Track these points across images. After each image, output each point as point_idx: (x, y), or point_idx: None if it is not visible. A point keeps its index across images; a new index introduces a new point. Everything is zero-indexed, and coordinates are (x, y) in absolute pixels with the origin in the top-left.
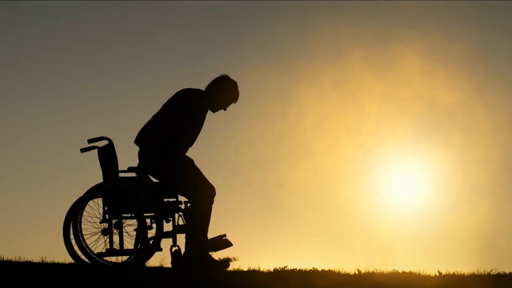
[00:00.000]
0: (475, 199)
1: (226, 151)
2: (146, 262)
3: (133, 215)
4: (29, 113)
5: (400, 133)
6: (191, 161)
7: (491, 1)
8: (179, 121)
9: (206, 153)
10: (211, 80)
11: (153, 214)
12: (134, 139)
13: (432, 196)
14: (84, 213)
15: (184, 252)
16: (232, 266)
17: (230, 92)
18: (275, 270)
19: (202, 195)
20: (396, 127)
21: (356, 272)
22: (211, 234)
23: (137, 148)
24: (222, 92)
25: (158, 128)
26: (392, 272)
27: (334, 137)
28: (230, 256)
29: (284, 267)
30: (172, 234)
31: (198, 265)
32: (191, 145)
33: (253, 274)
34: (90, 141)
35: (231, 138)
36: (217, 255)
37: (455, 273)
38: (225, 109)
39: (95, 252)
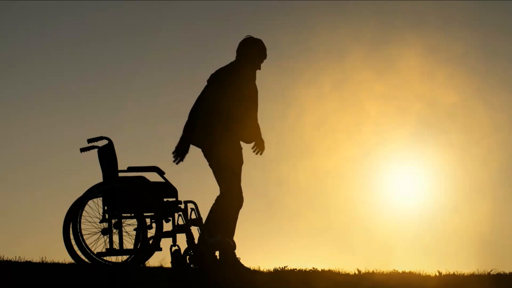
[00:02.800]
0: (475, 199)
1: None
2: (146, 262)
3: (133, 214)
4: (29, 113)
5: (400, 133)
6: (239, 160)
7: (491, 1)
8: (228, 99)
9: None
10: (239, 47)
11: (153, 213)
12: (133, 139)
13: (432, 196)
14: (84, 213)
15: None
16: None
17: (262, 50)
18: (275, 270)
19: (226, 199)
20: (396, 127)
21: (356, 272)
22: None
23: (137, 148)
24: (256, 53)
25: (210, 114)
26: (392, 272)
27: (334, 137)
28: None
29: (284, 267)
30: (172, 234)
31: (201, 265)
32: (249, 117)
33: (253, 274)
34: (90, 140)
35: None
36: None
37: (455, 273)
38: (260, 68)
39: (95, 252)
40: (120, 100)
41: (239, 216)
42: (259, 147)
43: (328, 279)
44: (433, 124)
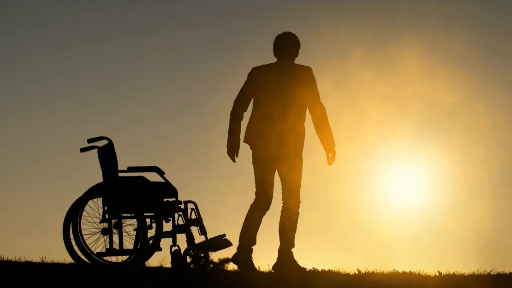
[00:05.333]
0: (475, 199)
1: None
2: (146, 262)
3: (133, 214)
4: (29, 113)
5: (400, 133)
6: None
7: (491, 1)
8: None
9: (207, 153)
10: (289, 47)
11: (153, 213)
12: (133, 139)
13: (432, 196)
14: (84, 213)
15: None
16: (232, 266)
17: (274, 45)
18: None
19: (254, 200)
20: (396, 127)
21: (356, 272)
22: (210, 234)
23: (137, 148)
24: (296, 44)
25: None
26: (392, 272)
27: (334, 137)
28: (230, 256)
29: None
30: (172, 234)
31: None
32: (253, 116)
33: (253, 274)
34: (90, 141)
35: None
36: (217, 255)
37: (455, 273)
38: (278, 62)
39: (95, 252)
40: (120, 100)
41: (239, 216)
42: (329, 160)
43: (328, 279)
44: (433, 124)
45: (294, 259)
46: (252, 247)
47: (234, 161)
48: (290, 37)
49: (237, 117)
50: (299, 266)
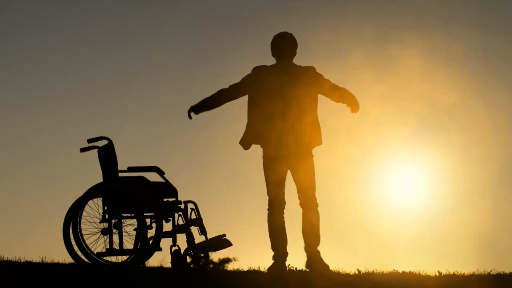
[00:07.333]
0: (475, 199)
1: (226, 151)
2: (146, 262)
3: (133, 214)
4: (29, 113)
5: (400, 133)
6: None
7: (491, 1)
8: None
9: (207, 153)
10: (287, 47)
11: (153, 213)
12: (133, 139)
13: (432, 196)
14: (84, 213)
15: None
16: (232, 266)
17: (271, 44)
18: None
19: (268, 203)
20: (396, 127)
21: (356, 272)
22: (211, 234)
23: (137, 148)
24: (294, 43)
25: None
26: (392, 272)
27: (334, 137)
28: (230, 256)
29: None
30: (172, 234)
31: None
32: (250, 117)
33: (253, 274)
34: (90, 141)
35: (231, 138)
36: (217, 255)
37: (455, 273)
38: (277, 63)
39: (95, 252)
40: (120, 100)
41: (239, 216)
42: (352, 108)
43: (328, 279)
44: (433, 124)
45: (320, 257)
46: (286, 249)
47: (190, 118)
48: (288, 37)
49: (224, 94)
50: (324, 264)
